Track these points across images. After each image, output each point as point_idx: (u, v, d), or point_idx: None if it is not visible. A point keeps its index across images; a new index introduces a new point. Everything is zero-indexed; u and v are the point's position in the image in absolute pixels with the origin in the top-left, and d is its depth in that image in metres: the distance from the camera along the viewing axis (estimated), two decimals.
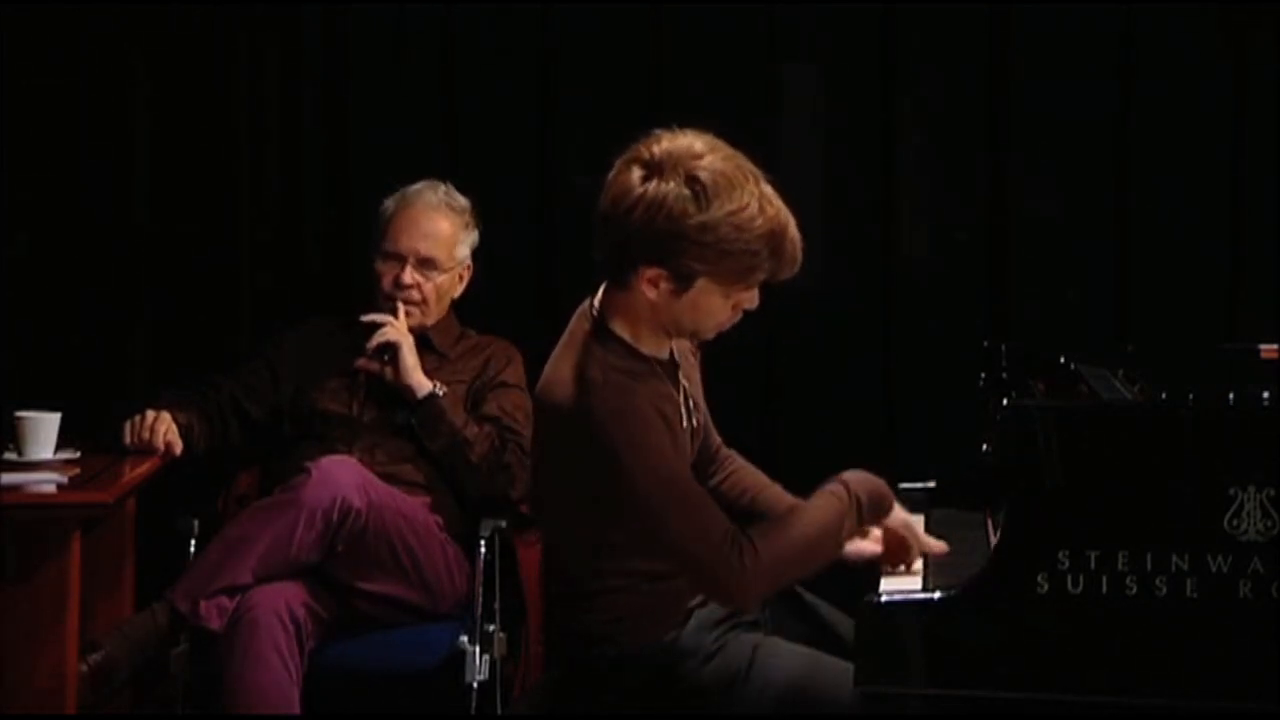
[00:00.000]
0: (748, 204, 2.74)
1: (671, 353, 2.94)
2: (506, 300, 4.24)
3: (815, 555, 2.82)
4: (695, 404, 3.00)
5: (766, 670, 2.83)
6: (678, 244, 2.73)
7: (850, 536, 2.89)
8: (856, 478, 2.89)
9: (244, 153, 4.33)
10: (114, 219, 4.30)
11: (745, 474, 3.19)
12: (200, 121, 4.32)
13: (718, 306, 2.82)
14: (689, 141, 2.78)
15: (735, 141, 4.26)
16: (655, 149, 2.77)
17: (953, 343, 4.15)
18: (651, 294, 2.79)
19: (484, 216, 4.05)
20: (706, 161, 2.75)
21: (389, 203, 3.98)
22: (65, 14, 4.23)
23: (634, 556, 2.82)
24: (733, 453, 3.21)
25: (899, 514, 3.00)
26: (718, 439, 3.18)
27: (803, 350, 4.31)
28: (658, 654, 2.85)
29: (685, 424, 2.92)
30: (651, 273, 2.77)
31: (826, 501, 2.85)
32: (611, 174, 2.79)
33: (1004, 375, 3.48)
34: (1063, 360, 3.44)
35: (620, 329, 2.86)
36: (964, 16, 4.29)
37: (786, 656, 2.87)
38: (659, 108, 4.33)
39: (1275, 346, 3.37)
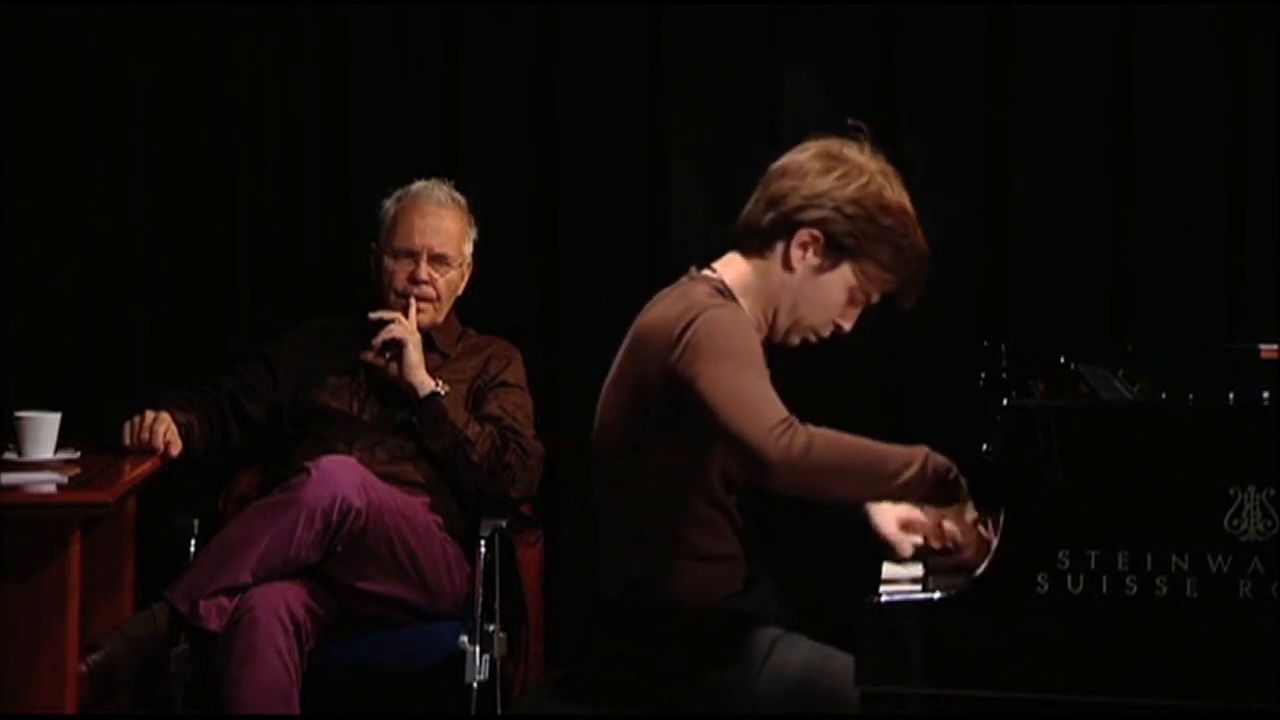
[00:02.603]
0: (913, 217, 3.04)
1: (768, 339, 3.06)
2: (507, 300, 4.24)
3: (859, 478, 2.81)
4: None
5: (783, 661, 2.91)
6: (855, 209, 2.96)
7: (905, 493, 2.83)
8: (937, 456, 2.86)
9: (244, 152, 4.33)
10: (114, 219, 4.30)
11: None
12: (200, 121, 4.32)
13: (836, 302, 3.02)
14: None
15: (735, 142, 4.31)
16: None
17: (953, 343, 4.15)
18: (796, 258, 2.97)
19: (484, 216, 4.06)
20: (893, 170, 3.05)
21: (391, 201, 4.00)
22: (65, 14, 4.23)
23: (684, 526, 2.91)
24: None
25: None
26: None
27: (802, 350, 4.31)
28: (684, 631, 2.93)
29: None
30: (808, 235, 2.97)
31: (898, 449, 2.83)
32: (805, 144, 3.04)
33: (1004, 375, 3.47)
34: (1063, 360, 3.44)
35: (733, 288, 3.00)
36: (964, 16, 4.29)
37: (803, 650, 2.93)
38: (659, 108, 4.34)
39: (1275, 346, 3.36)
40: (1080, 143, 4.30)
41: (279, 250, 4.36)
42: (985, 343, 3.62)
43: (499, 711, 3.75)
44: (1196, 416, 2.70)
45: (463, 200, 4.02)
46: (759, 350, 2.91)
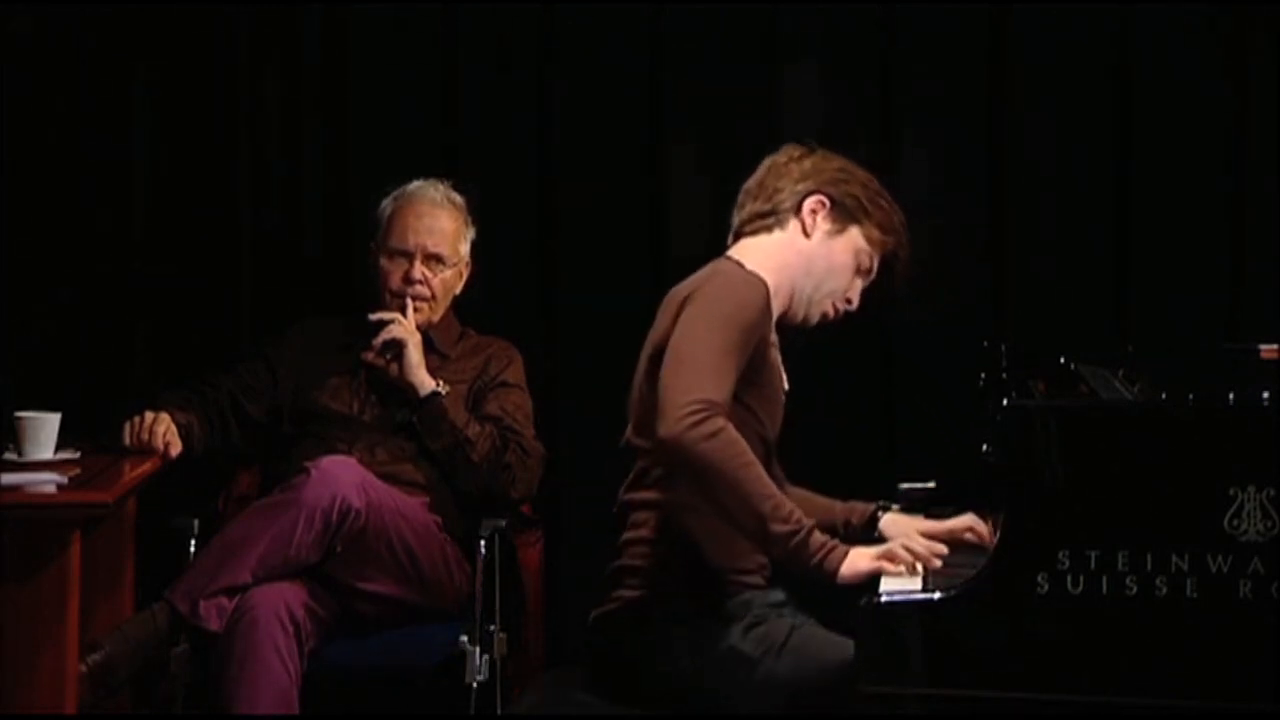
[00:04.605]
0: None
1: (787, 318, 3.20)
2: (506, 300, 4.24)
3: (732, 494, 2.86)
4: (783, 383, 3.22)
5: (800, 648, 2.95)
6: (845, 175, 3.20)
7: (763, 540, 2.89)
8: (819, 537, 2.90)
9: (244, 152, 4.33)
10: (114, 218, 4.30)
11: None
12: (200, 121, 4.32)
13: (848, 266, 3.19)
14: None
15: (735, 142, 4.32)
16: None
17: (953, 343, 4.15)
18: (810, 224, 3.16)
19: (484, 216, 4.05)
20: None
21: (388, 201, 4.00)
22: (65, 14, 4.23)
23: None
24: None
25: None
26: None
27: (803, 350, 4.31)
28: (704, 613, 2.97)
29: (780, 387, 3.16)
30: (815, 202, 3.17)
31: (791, 507, 2.89)
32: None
33: (1004, 375, 3.48)
34: (1063, 360, 3.44)
35: (754, 268, 3.10)
36: (964, 16, 4.29)
37: (820, 640, 2.97)
38: (659, 108, 4.34)
39: (1275, 346, 3.37)
40: (1080, 142, 4.29)
41: (279, 250, 4.36)
42: (985, 343, 3.62)
43: (499, 711, 3.75)
44: (1196, 416, 2.70)
45: (459, 200, 4.01)
46: (752, 324, 2.99)
